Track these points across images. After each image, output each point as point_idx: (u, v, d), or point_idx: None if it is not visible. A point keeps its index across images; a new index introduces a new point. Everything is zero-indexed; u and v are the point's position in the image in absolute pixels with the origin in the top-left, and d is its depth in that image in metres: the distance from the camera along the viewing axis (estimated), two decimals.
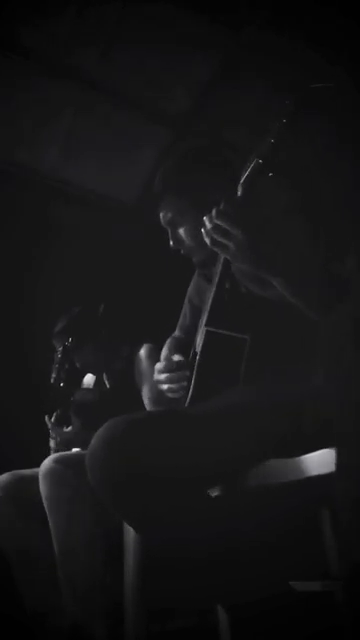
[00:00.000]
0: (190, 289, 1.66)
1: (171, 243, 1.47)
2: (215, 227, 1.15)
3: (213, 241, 1.17)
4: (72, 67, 2.47)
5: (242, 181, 1.16)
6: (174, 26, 2.27)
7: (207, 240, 1.18)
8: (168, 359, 1.38)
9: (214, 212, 1.15)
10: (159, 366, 1.38)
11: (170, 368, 1.34)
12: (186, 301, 1.66)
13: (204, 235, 1.19)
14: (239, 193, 1.16)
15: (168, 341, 1.62)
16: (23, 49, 2.37)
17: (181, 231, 1.44)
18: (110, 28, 2.29)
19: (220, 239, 1.15)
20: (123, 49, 2.37)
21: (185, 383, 1.30)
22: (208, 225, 1.16)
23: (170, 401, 1.36)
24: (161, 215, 1.48)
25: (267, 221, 1.18)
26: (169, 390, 1.34)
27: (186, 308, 1.65)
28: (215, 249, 1.19)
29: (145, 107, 2.66)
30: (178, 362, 1.34)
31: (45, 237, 2.99)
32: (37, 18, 2.25)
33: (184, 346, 1.47)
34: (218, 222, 1.14)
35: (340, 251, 1.18)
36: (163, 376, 1.35)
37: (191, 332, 1.50)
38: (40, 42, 2.35)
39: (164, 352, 1.55)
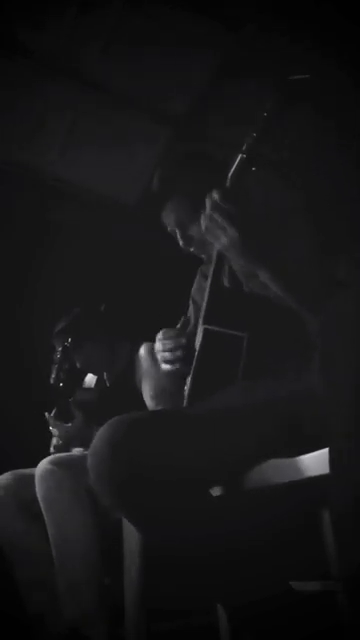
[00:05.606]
0: (193, 289, 1.65)
1: (181, 243, 1.48)
2: (211, 218, 1.16)
3: (207, 229, 1.18)
4: (72, 67, 2.47)
5: (229, 175, 1.17)
6: (174, 26, 2.27)
7: (202, 225, 1.18)
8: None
9: (209, 204, 1.15)
10: (159, 334, 1.37)
11: (169, 335, 1.34)
12: (190, 301, 1.66)
13: (202, 221, 1.19)
14: (227, 185, 1.17)
15: None
16: (23, 49, 2.37)
17: (193, 230, 1.44)
18: (110, 28, 2.29)
19: (215, 230, 1.16)
20: (123, 49, 2.38)
21: (179, 353, 1.29)
22: (207, 210, 1.16)
23: (171, 400, 1.36)
24: (166, 222, 1.49)
25: (257, 216, 1.18)
26: (163, 359, 1.33)
27: (191, 309, 1.65)
28: (208, 237, 1.19)
29: (145, 107, 2.66)
30: (177, 330, 1.34)
31: (45, 237, 2.99)
32: (37, 18, 2.25)
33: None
34: (215, 215, 1.15)
35: (334, 248, 1.18)
36: (160, 343, 1.34)
37: (194, 331, 1.50)
38: (40, 42, 2.35)
39: None
